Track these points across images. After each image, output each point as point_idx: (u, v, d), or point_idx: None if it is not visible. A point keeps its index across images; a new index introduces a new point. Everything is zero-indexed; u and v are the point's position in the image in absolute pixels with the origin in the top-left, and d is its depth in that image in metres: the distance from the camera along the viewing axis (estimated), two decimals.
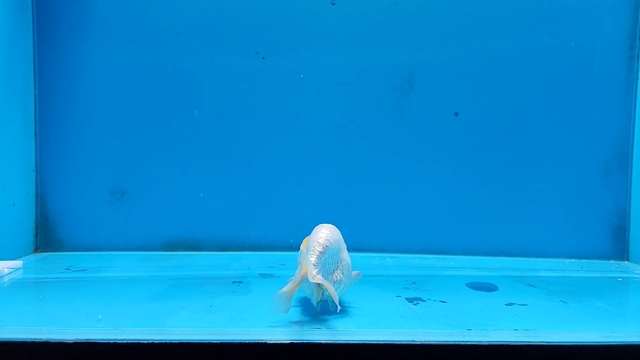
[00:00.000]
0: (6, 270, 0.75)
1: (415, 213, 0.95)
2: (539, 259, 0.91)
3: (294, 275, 0.55)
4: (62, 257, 0.90)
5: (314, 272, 0.53)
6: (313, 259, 0.55)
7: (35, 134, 0.93)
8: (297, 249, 0.93)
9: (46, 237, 0.94)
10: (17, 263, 0.79)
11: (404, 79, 0.94)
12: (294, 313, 0.59)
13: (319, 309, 0.59)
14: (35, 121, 0.93)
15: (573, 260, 0.91)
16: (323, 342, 0.50)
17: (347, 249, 0.95)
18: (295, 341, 0.50)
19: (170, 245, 0.96)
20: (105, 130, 0.94)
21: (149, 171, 0.95)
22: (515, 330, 0.54)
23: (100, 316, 0.57)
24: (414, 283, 0.73)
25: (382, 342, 0.50)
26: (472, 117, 0.94)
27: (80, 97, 0.94)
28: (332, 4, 0.94)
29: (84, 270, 0.81)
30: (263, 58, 0.94)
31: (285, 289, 0.53)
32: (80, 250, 0.94)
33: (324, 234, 0.58)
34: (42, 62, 0.93)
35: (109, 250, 0.94)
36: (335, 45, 0.94)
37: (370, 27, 0.94)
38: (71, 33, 0.93)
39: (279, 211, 0.95)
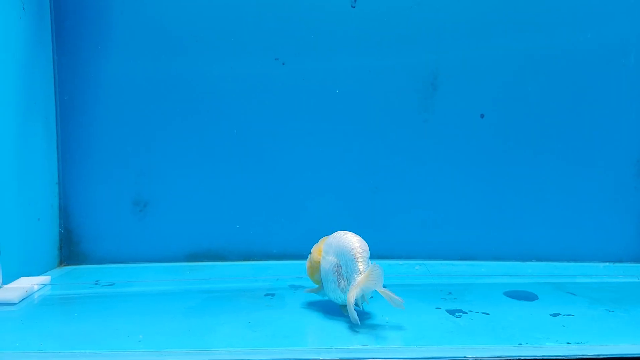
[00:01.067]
0: (36, 287, 0.74)
1: (443, 218, 0.94)
2: (572, 264, 0.90)
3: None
4: (88, 270, 0.89)
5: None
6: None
7: (57, 147, 0.92)
8: None
9: (70, 250, 0.93)
10: (46, 279, 0.78)
11: (427, 81, 0.93)
12: (333, 325, 0.58)
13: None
14: (57, 134, 0.92)
15: (607, 264, 0.90)
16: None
17: (373, 255, 0.94)
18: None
19: (194, 256, 0.95)
20: (126, 141, 0.93)
21: (171, 181, 0.93)
22: (568, 343, 0.52)
23: (141, 336, 0.55)
24: (450, 293, 0.72)
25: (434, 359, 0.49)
26: (499, 119, 0.93)
27: (101, 107, 0.92)
28: (352, 6, 0.92)
29: (112, 284, 0.80)
30: (283, 64, 0.93)
31: (351, 298, 0.56)
32: (104, 263, 0.93)
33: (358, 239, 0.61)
34: (62, 73, 0.92)
35: (133, 262, 0.93)
36: (356, 49, 0.93)
37: (391, 29, 0.92)
38: (90, 43, 0.92)
39: (304, 219, 0.94)
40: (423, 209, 0.94)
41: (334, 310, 0.64)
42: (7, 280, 0.74)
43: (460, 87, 0.93)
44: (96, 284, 0.80)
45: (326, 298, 0.65)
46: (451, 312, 0.63)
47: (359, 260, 0.58)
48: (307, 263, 0.68)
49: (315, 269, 0.66)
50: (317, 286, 0.67)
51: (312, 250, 0.67)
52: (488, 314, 0.62)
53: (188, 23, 0.92)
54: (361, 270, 0.57)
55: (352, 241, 0.60)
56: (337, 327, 0.58)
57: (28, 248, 0.82)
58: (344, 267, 0.60)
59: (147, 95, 0.92)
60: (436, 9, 0.92)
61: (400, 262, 0.93)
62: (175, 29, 0.92)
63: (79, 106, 0.92)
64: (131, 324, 0.60)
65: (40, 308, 0.68)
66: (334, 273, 0.61)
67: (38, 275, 0.80)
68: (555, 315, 0.61)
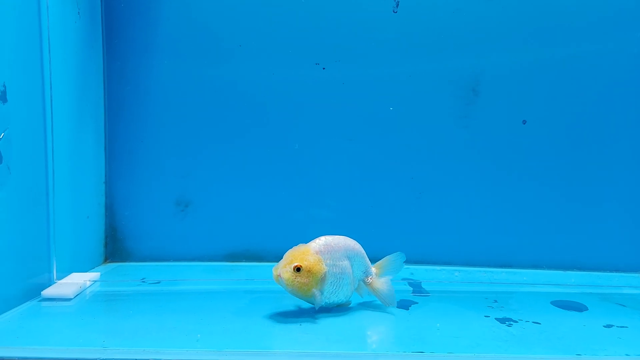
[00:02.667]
0: (88, 283, 0.76)
1: (482, 225, 0.94)
2: (615, 274, 0.89)
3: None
4: (132, 267, 0.91)
5: None
6: None
7: (105, 148, 0.94)
8: (370, 261, 0.93)
9: (114, 248, 0.95)
10: (96, 275, 0.80)
11: (468, 86, 0.93)
12: (384, 329, 0.59)
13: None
14: (104, 135, 0.94)
15: None
16: None
17: (413, 261, 0.94)
18: None
19: (233, 256, 0.96)
20: (170, 143, 0.95)
21: (211, 183, 0.95)
22: (627, 355, 0.52)
23: (199, 335, 0.56)
24: (496, 301, 0.72)
25: None
26: (541, 125, 0.92)
27: (147, 110, 0.94)
28: (393, 12, 0.93)
29: (158, 282, 0.81)
30: (323, 69, 0.93)
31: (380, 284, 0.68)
32: (147, 261, 0.94)
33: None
34: (110, 76, 0.94)
35: (174, 260, 0.95)
36: (396, 54, 0.93)
37: (432, 34, 0.92)
38: (138, 48, 0.93)
39: (343, 222, 0.94)
40: (462, 215, 0.93)
41: (380, 314, 0.65)
42: (59, 276, 0.75)
43: (502, 92, 0.92)
44: (143, 281, 0.82)
45: (313, 305, 0.65)
46: (501, 321, 0.63)
47: (366, 256, 0.70)
48: (297, 281, 0.62)
49: (317, 281, 0.63)
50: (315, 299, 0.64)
51: (303, 265, 0.63)
52: (539, 323, 0.62)
53: (232, 29, 0.93)
54: (369, 264, 0.70)
55: (352, 242, 0.69)
56: (389, 331, 0.59)
57: (78, 245, 0.84)
58: (355, 266, 0.68)
59: (192, 99, 0.94)
60: (478, 14, 0.91)
61: (438, 268, 0.93)
62: (220, 34, 0.93)
63: (126, 109, 0.94)
64: (185, 322, 0.61)
65: (93, 304, 0.70)
66: (340, 276, 0.66)
67: (86, 272, 0.82)
68: (609, 326, 0.61)
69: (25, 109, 0.69)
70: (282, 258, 0.65)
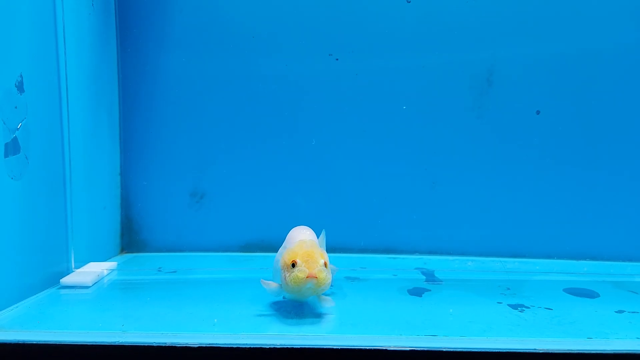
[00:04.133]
0: (105, 272, 0.77)
1: (494, 215, 0.93)
2: (628, 263, 0.89)
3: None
4: (148, 257, 0.92)
5: None
6: None
7: (119, 139, 0.95)
8: (383, 251, 0.94)
9: (130, 239, 0.97)
10: (113, 264, 0.81)
11: (482, 77, 0.93)
12: (398, 314, 0.59)
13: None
14: (119, 127, 0.95)
15: None
16: (444, 350, 0.50)
17: (426, 251, 0.95)
18: (415, 348, 0.50)
19: (248, 247, 0.97)
20: (184, 135, 0.96)
21: (226, 173, 0.96)
22: (638, 339, 0.52)
23: (215, 320, 0.58)
24: (509, 288, 0.72)
25: (505, 351, 0.50)
26: (555, 115, 0.91)
27: (161, 102, 0.95)
28: (407, 2, 0.92)
29: (175, 272, 0.82)
30: (337, 60, 0.94)
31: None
32: (162, 251, 0.96)
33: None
34: (124, 68, 0.95)
35: (190, 251, 0.96)
36: (410, 45, 0.92)
37: (446, 24, 0.92)
38: (151, 40, 0.94)
39: (358, 213, 0.95)
40: (476, 205, 0.93)
41: (393, 301, 0.66)
42: (77, 266, 0.77)
43: (516, 83, 0.92)
44: (159, 270, 0.83)
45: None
46: (513, 307, 0.63)
47: None
48: (328, 278, 0.58)
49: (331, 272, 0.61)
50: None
51: (326, 260, 0.59)
52: (551, 309, 0.62)
53: (245, 20, 0.93)
54: None
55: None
56: (402, 316, 0.60)
57: (95, 235, 0.85)
58: None
59: (206, 91, 0.95)
60: (492, 4, 0.91)
61: (452, 258, 0.93)
62: (233, 26, 0.94)
63: (140, 101, 0.95)
64: (202, 308, 0.62)
65: (111, 291, 0.71)
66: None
67: (104, 262, 0.83)
68: (620, 312, 0.61)
69: (42, 99, 0.71)
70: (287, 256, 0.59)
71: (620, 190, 0.91)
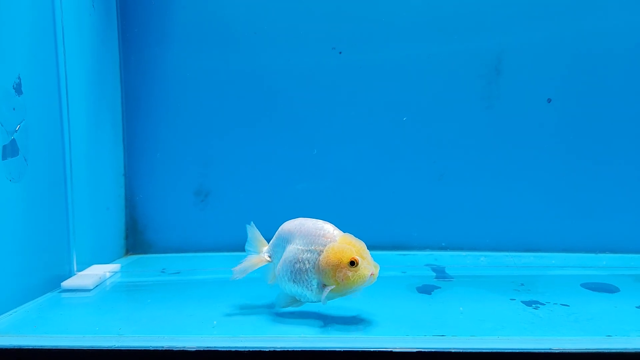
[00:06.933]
0: (108, 274, 0.76)
1: (508, 208, 0.90)
2: None
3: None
4: (153, 259, 0.91)
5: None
6: None
7: (123, 140, 0.94)
8: (393, 248, 0.91)
9: (135, 240, 0.95)
10: (116, 266, 0.80)
11: (491, 65, 0.90)
12: (406, 314, 0.57)
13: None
14: (122, 126, 0.94)
15: None
16: (453, 351, 0.48)
17: (437, 247, 0.92)
18: (422, 350, 0.48)
19: None
20: (188, 134, 0.94)
21: (231, 173, 0.94)
22: None
23: (215, 322, 0.56)
24: (523, 284, 0.69)
25: (518, 351, 0.47)
26: (567, 103, 0.88)
27: (164, 101, 0.94)
28: None
29: (178, 272, 0.81)
30: (340, 53, 0.92)
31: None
32: (168, 252, 0.94)
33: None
34: (127, 67, 0.94)
35: (195, 251, 0.94)
36: (415, 35, 0.90)
37: (452, 12, 0.89)
38: (153, 38, 0.93)
39: (364, 208, 0.92)
40: (487, 198, 0.91)
41: (401, 299, 0.63)
42: (79, 268, 0.76)
43: (526, 70, 0.89)
44: (163, 272, 0.81)
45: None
46: (527, 304, 0.60)
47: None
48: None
49: None
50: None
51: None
52: (568, 305, 0.59)
53: (247, 16, 0.92)
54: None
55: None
56: (410, 316, 0.57)
57: (98, 237, 0.84)
58: None
59: (209, 88, 0.93)
60: None
61: (464, 253, 0.90)
62: (235, 22, 0.92)
63: (143, 100, 0.94)
64: (203, 309, 0.61)
65: (113, 294, 0.70)
66: None
67: (107, 264, 0.82)
68: None
69: (41, 100, 0.69)
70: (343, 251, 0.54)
71: (637, 181, 0.88)
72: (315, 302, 0.56)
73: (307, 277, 0.56)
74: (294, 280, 0.56)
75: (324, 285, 0.54)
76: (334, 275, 0.53)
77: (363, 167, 0.92)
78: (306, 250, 0.56)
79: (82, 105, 0.79)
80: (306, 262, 0.56)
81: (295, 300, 0.58)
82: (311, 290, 0.55)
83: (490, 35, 0.89)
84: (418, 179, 0.92)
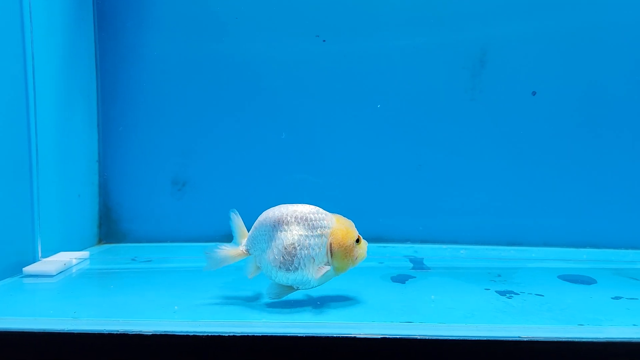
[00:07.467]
0: (74, 261, 0.74)
1: (491, 201, 0.89)
2: (631, 251, 0.84)
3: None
4: (126, 248, 0.89)
5: None
6: None
7: (97, 125, 0.92)
8: (373, 240, 0.89)
9: (109, 228, 0.93)
10: (84, 254, 0.77)
11: (475, 57, 0.88)
12: (372, 301, 0.55)
13: None
14: (97, 112, 0.92)
15: None
16: (418, 337, 0.46)
17: (418, 240, 0.90)
18: (387, 336, 0.46)
19: (230, 237, 0.93)
20: (166, 121, 0.92)
21: (210, 160, 0.92)
22: (635, 325, 0.47)
23: (176, 307, 0.54)
24: (500, 275, 0.68)
25: (485, 339, 0.45)
26: (552, 97, 0.87)
27: (141, 87, 0.92)
28: None
29: (150, 261, 0.79)
30: (324, 41, 0.90)
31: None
32: (143, 242, 0.92)
33: None
34: (103, 53, 0.92)
35: (171, 241, 0.92)
36: (400, 25, 0.89)
37: (438, 3, 0.87)
38: (130, 24, 0.91)
39: (345, 199, 0.90)
40: (469, 192, 0.89)
41: (374, 287, 0.61)
42: (45, 255, 0.73)
43: (510, 63, 0.87)
44: (133, 260, 0.79)
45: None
46: (501, 293, 0.59)
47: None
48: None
49: None
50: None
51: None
52: (543, 295, 0.58)
53: (227, 1, 0.90)
54: None
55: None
56: (380, 303, 0.55)
57: (68, 224, 0.82)
58: None
59: (188, 75, 0.91)
60: None
61: (444, 246, 0.88)
62: (215, 7, 0.90)
63: (120, 85, 0.92)
64: (167, 296, 0.59)
65: (77, 280, 0.67)
66: None
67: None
68: (617, 298, 0.57)
69: (2, 83, 0.67)
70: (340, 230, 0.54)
71: (622, 176, 0.86)
72: (315, 287, 0.55)
73: (314, 263, 0.53)
74: (294, 269, 0.53)
75: (321, 268, 0.53)
76: (348, 255, 0.53)
77: (346, 157, 0.90)
78: (312, 236, 0.54)
79: (50, 89, 0.77)
80: (315, 247, 0.53)
81: (290, 289, 0.55)
82: (313, 275, 0.53)
83: (475, 27, 0.87)
84: (399, 171, 0.90)
